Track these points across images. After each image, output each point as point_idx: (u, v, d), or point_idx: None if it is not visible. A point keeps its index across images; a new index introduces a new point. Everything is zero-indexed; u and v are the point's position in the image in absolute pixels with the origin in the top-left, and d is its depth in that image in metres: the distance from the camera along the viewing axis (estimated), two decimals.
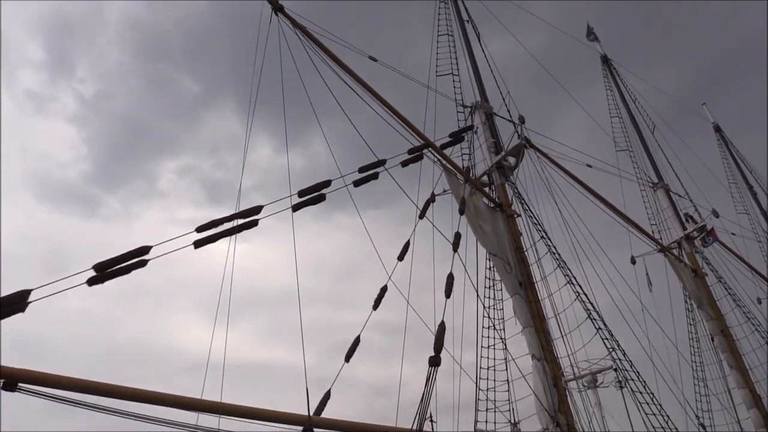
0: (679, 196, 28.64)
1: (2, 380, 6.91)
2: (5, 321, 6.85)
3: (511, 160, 18.44)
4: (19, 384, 7.04)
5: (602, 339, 15.50)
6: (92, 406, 7.69)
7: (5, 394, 6.91)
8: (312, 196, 12.08)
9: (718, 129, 40.01)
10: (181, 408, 8.53)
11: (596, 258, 18.17)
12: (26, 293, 7.08)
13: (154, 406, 8.24)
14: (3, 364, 6.88)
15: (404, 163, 14.73)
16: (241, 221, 10.65)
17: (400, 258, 13.60)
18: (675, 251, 26.14)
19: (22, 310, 7.02)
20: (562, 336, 15.66)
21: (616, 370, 14.40)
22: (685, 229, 27.03)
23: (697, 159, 34.90)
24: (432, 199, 15.24)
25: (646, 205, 27.90)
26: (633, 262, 24.57)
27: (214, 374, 9.43)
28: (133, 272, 8.88)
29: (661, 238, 26.39)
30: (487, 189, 18.19)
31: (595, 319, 15.72)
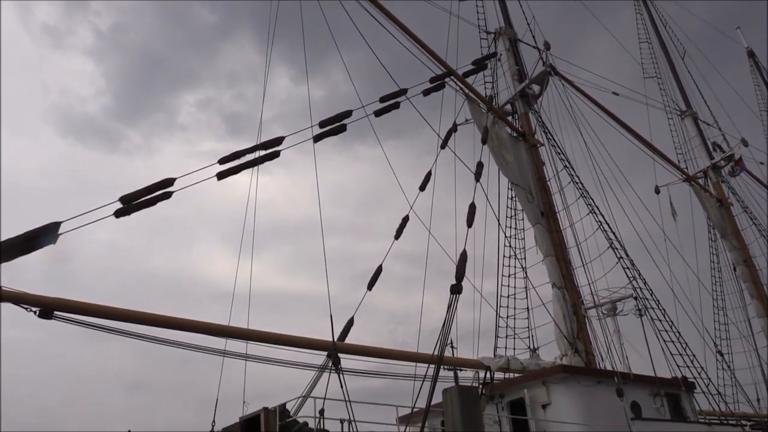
0: (708, 124, 27.99)
1: (39, 308, 7.22)
2: (39, 252, 7.06)
3: (536, 88, 18.07)
4: (55, 312, 7.36)
5: (623, 268, 15.57)
6: (124, 333, 8.01)
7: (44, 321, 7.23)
8: (333, 126, 12.04)
9: (751, 54, 38.47)
10: (211, 334, 8.86)
11: (620, 188, 18.04)
12: (56, 225, 7.25)
13: (185, 333, 8.57)
14: (39, 293, 7.16)
15: (426, 92, 14.51)
16: (263, 152, 10.70)
17: (422, 188, 13.63)
18: (701, 181, 25.79)
19: (54, 241, 7.22)
20: (583, 265, 15.77)
21: (636, 298, 14.55)
22: (712, 158, 26.56)
23: (727, 86, 33.87)
24: (454, 129, 15.08)
25: (672, 133, 27.34)
26: (657, 191, 24.33)
27: (241, 304, 9.71)
28: (158, 204, 9.03)
29: (686, 168, 25.99)
30: (510, 118, 17.95)
31: (616, 249, 15.75)
